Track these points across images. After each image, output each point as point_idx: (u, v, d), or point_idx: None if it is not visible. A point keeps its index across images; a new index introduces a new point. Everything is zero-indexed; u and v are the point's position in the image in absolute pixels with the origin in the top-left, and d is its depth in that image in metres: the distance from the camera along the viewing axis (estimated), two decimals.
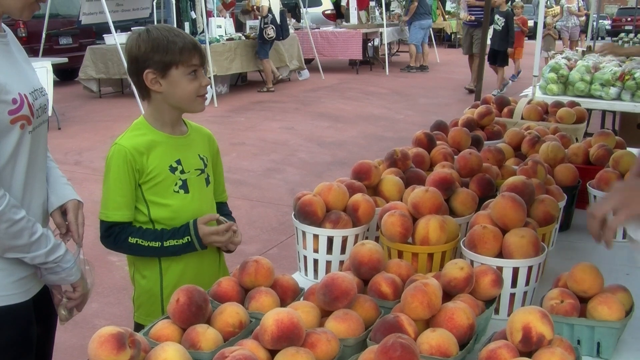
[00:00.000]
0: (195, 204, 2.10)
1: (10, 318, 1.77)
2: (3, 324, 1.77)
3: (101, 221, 2.04)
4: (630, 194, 1.43)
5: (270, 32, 11.97)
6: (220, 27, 12.42)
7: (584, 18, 14.62)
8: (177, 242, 2.03)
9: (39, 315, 1.89)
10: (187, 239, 2.03)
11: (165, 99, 2.03)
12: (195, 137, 2.16)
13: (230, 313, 1.51)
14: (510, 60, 12.52)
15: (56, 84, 10.02)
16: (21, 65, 1.82)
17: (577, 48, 8.97)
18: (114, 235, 2.03)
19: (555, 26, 14.14)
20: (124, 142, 2.03)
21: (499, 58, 11.78)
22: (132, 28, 11.61)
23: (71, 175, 6.83)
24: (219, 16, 13.09)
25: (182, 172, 2.07)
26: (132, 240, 2.02)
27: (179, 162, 2.07)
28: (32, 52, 11.40)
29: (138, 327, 2.17)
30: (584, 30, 14.40)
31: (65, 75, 13.25)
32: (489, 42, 11.05)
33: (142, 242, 2.02)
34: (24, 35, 12.12)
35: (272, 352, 1.36)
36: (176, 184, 2.06)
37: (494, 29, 11.53)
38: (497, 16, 11.46)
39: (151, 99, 2.05)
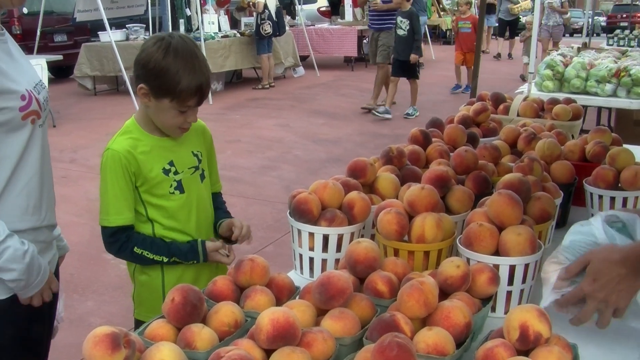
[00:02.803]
0: (191, 203, 2.10)
1: (9, 315, 1.76)
2: (3, 321, 1.76)
3: (103, 227, 2.01)
4: (607, 290, 1.42)
5: (267, 28, 11.97)
6: (213, 23, 12.39)
7: (567, 16, 14.17)
8: (182, 246, 2.06)
9: (37, 313, 1.87)
10: (194, 245, 2.06)
11: (150, 112, 2.02)
12: (187, 134, 2.12)
13: (226, 312, 1.50)
14: (463, 68, 11.77)
15: (51, 81, 9.99)
16: (19, 62, 1.84)
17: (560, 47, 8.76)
18: (120, 242, 2.01)
19: None
20: (117, 146, 2.00)
21: (405, 69, 9.67)
22: (127, 25, 11.66)
23: (66, 173, 6.80)
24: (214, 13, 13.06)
25: (176, 172, 2.06)
26: (137, 250, 2.02)
27: (171, 163, 2.05)
28: (27, 49, 11.36)
29: (139, 324, 2.15)
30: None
31: (60, 72, 13.21)
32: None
33: (147, 254, 2.03)
34: (18, 32, 12.10)
35: (268, 352, 1.35)
36: (171, 186, 2.05)
37: (398, 35, 9.48)
38: (399, 18, 9.46)
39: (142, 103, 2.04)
